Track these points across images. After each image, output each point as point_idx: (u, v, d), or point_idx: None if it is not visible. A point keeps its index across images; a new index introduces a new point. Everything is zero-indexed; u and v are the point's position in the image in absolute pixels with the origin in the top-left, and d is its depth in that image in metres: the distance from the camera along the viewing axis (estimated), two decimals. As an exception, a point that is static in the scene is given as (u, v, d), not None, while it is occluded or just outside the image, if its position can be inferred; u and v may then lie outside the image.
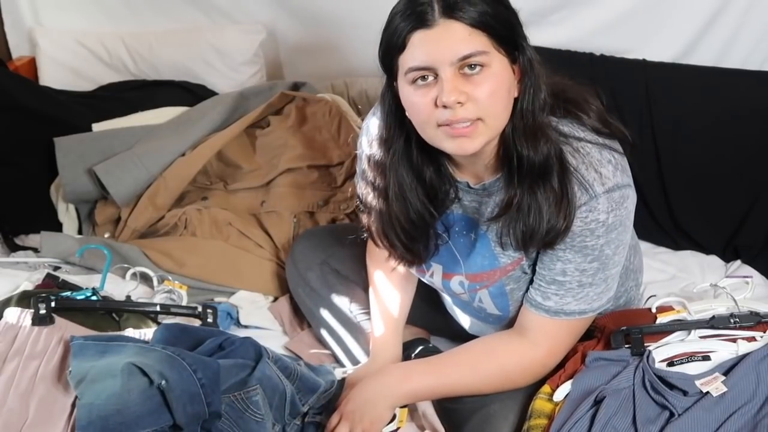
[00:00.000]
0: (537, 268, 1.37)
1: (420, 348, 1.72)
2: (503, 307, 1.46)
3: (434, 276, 1.50)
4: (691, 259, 2.03)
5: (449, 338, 1.81)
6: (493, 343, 1.46)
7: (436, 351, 1.72)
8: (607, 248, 1.31)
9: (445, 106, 1.22)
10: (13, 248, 2.07)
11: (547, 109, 1.29)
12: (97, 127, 2.21)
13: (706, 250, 2.05)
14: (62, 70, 2.50)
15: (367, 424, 1.42)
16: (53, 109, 2.23)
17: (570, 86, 1.37)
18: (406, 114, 1.29)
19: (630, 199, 1.33)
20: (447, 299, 1.62)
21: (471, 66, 1.21)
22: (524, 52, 1.27)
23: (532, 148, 1.26)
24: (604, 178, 1.28)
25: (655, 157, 2.06)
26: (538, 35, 2.17)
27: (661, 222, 2.07)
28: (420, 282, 1.72)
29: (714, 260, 2.01)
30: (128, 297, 1.64)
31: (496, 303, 1.45)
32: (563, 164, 1.27)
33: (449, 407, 1.49)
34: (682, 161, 2.05)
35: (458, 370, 1.45)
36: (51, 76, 2.49)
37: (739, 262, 1.98)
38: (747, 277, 1.58)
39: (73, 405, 1.38)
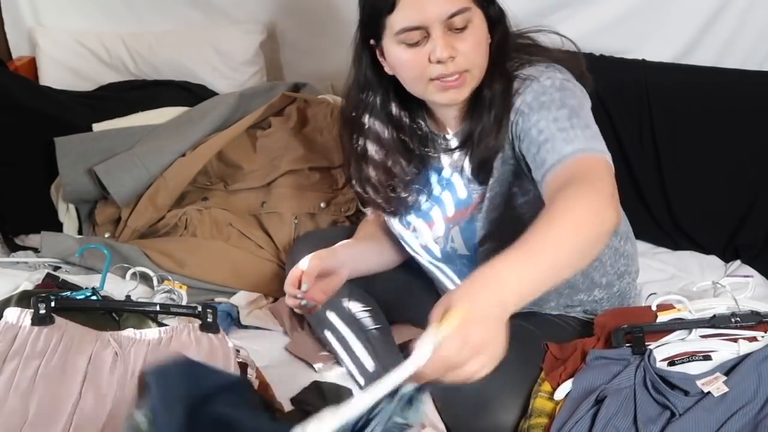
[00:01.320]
0: (526, 157, 1.36)
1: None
2: (470, 245, 1.51)
3: (417, 231, 1.57)
4: (690, 259, 2.03)
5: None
6: (551, 204, 1.22)
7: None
8: (567, 99, 1.34)
9: (439, 62, 1.33)
10: (13, 248, 2.07)
11: (511, 53, 1.42)
12: (97, 127, 2.21)
13: (706, 250, 2.05)
14: (62, 70, 2.49)
15: (493, 361, 1.09)
16: (53, 109, 2.23)
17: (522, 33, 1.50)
18: (388, 71, 1.42)
19: (578, 85, 1.39)
20: (425, 265, 1.64)
21: (457, 22, 1.33)
22: (495, 4, 1.41)
23: (491, 85, 1.39)
24: (548, 76, 1.37)
25: (655, 157, 2.06)
26: (538, 35, 2.18)
27: (661, 222, 2.07)
28: (418, 281, 1.72)
29: (714, 260, 2.01)
30: (128, 297, 1.64)
31: (465, 240, 1.51)
32: (507, 94, 1.38)
33: (446, 396, 1.49)
34: (682, 161, 2.05)
35: (544, 240, 1.15)
36: (51, 76, 2.49)
37: (738, 262, 1.98)
38: (748, 276, 1.58)
39: (73, 405, 1.39)
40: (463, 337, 1.00)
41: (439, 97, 1.39)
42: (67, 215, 2.15)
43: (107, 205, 2.11)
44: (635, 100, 2.07)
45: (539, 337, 1.50)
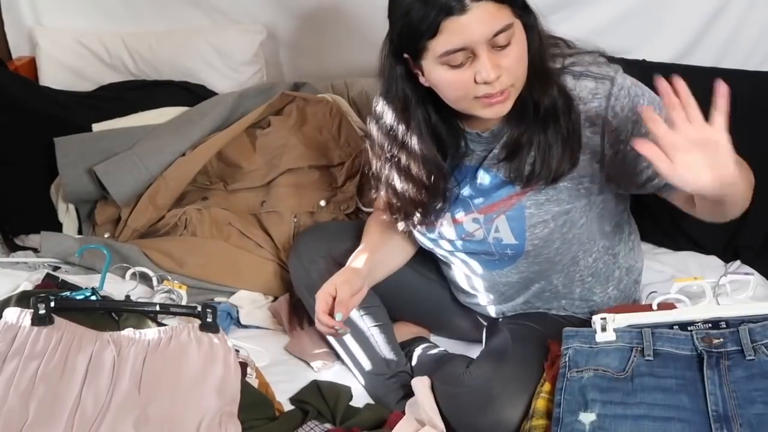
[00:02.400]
0: (641, 162, 1.37)
1: (421, 345, 1.72)
2: (519, 233, 1.48)
3: (444, 227, 1.55)
4: (690, 259, 2.03)
5: (450, 337, 1.81)
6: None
7: (438, 350, 1.72)
8: (654, 97, 1.37)
9: (486, 82, 1.30)
10: (13, 248, 2.07)
11: (549, 52, 1.40)
12: (97, 127, 2.21)
13: (706, 250, 2.04)
14: (62, 70, 2.49)
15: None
16: (53, 109, 2.23)
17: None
18: (424, 83, 1.38)
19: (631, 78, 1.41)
20: (456, 263, 1.62)
21: (501, 40, 1.30)
22: (528, 9, 1.37)
23: (542, 91, 1.37)
24: (605, 68, 1.41)
25: (655, 157, 2.06)
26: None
27: (661, 222, 2.06)
28: (422, 279, 1.72)
29: (714, 260, 2.01)
30: (128, 297, 1.64)
31: (513, 228, 1.48)
32: (570, 106, 1.38)
33: (450, 391, 1.50)
34: (682, 161, 2.05)
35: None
36: (51, 76, 2.49)
37: (738, 262, 1.98)
38: (748, 273, 1.57)
39: (73, 405, 1.39)
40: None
41: (484, 113, 1.36)
42: (67, 215, 2.15)
43: (107, 205, 2.11)
44: (635, 100, 2.07)
45: (545, 336, 1.50)
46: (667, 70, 2.08)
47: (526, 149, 1.40)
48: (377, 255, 1.64)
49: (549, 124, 1.38)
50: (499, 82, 1.32)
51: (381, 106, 1.49)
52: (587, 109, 1.39)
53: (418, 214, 1.53)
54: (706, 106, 2.05)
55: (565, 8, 2.22)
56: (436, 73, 1.34)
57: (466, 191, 1.52)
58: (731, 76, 2.05)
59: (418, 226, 1.58)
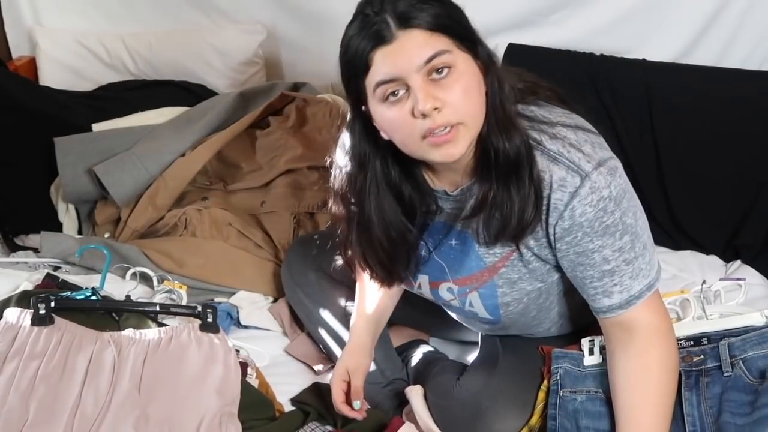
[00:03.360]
0: (578, 276, 1.32)
1: (419, 349, 1.72)
2: (493, 310, 1.43)
3: (422, 287, 1.49)
4: (691, 259, 2.03)
5: (448, 340, 1.81)
6: (625, 380, 1.32)
7: (435, 353, 1.72)
8: (626, 218, 1.29)
9: (423, 115, 1.19)
10: (13, 248, 2.06)
11: (513, 98, 1.28)
12: (97, 127, 2.21)
13: (706, 250, 2.04)
14: (62, 70, 2.50)
15: None
16: (53, 109, 2.23)
17: (520, 73, 1.37)
18: (382, 135, 1.27)
19: (619, 168, 1.30)
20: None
21: (438, 70, 1.19)
22: (483, 47, 1.25)
23: (507, 141, 1.25)
24: (587, 155, 1.27)
25: (655, 157, 2.06)
26: (538, 35, 2.19)
27: (661, 222, 2.07)
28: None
29: (714, 260, 2.01)
30: (128, 297, 1.64)
31: (486, 306, 1.42)
32: (531, 156, 1.26)
33: (440, 404, 1.49)
34: (682, 161, 2.05)
35: (645, 417, 1.29)
36: (51, 76, 2.49)
37: (739, 262, 1.98)
38: (740, 279, 1.58)
39: (73, 405, 1.39)
40: None
41: (435, 155, 1.23)
42: (67, 215, 2.15)
43: (107, 205, 2.11)
44: (635, 100, 2.07)
45: (534, 346, 1.49)
46: (667, 70, 2.11)
47: (491, 206, 1.29)
48: (378, 310, 1.59)
49: (512, 178, 1.27)
50: (440, 116, 1.19)
51: (346, 164, 1.37)
52: (550, 196, 1.27)
53: (380, 269, 1.42)
54: (706, 106, 2.07)
55: (565, 8, 2.22)
56: (379, 114, 1.24)
57: (440, 252, 1.42)
58: (731, 76, 2.08)
59: (388, 287, 1.50)
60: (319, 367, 1.74)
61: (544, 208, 1.28)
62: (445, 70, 1.19)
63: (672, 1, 2.16)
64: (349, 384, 1.50)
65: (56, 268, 1.90)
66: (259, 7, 2.47)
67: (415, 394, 1.53)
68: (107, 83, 2.48)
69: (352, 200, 1.38)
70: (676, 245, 2.07)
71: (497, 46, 2.06)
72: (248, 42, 2.46)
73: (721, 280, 1.63)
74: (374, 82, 1.21)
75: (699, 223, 2.05)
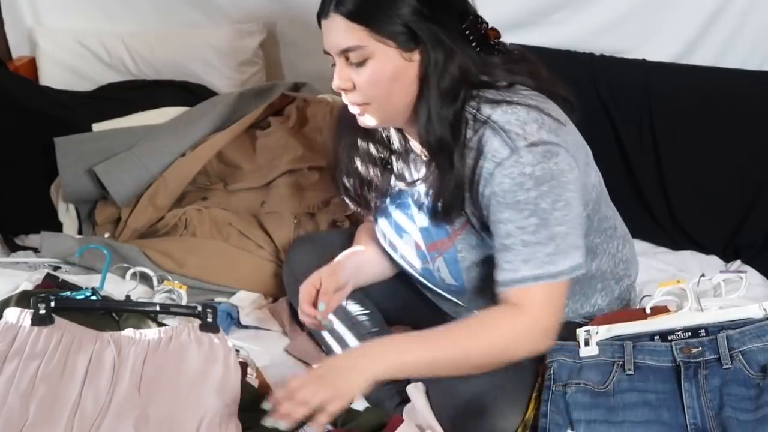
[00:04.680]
0: (490, 228, 1.37)
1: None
2: (457, 276, 1.47)
3: (404, 256, 1.56)
4: (690, 258, 2.03)
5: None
6: (485, 314, 1.39)
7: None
8: (542, 202, 1.30)
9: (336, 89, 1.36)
10: (13, 248, 2.06)
11: (462, 87, 1.34)
12: (97, 127, 2.21)
13: (706, 250, 2.05)
14: (62, 70, 2.50)
15: (334, 392, 1.25)
16: (53, 109, 2.23)
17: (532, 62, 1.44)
18: None
19: (560, 157, 1.31)
20: (421, 281, 1.62)
21: (352, 58, 1.32)
22: (426, 34, 1.31)
23: (431, 128, 1.34)
24: (527, 134, 1.30)
25: (655, 157, 2.06)
26: (538, 35, 2.19)
27: (661, 222, 2.07)
28: (413, 284, 1.72)
29: (714, 260, 2.01)
30: (128, 297, 1.64)
31: (451, 271, 1.47)
32: (455, 143, 1.34)
33: (443, 402, 1.49)
34: (682, 161, 2.05)
35: (451, 340, 1.35)
36: (51, 76, 2.49)
37: (739, 262, 1.98)
38: (741, 272, 1.57)
39: (73, 405, 1.39)
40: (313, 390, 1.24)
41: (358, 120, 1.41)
42: (67, 215, 2.15)
43: (107, 205, 2.11)
44: (635, 100, 2.07)
45: None
46: (667, 70, 2.11)
47: (428, 181, 1.41)
48: (365, 255, 1.65)
49: (439, 160, 1.36)
50: (351, 95, 1.35)
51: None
52: (484, 165, 1.33)
53: (359, 200, 1.57)
54: (706, 106, 2.07)
55: (565, 8, 2.22)
56: None
57: (414, 217, 1.51)
58: (731, 76, 2.08)
59: (384, 241, 1.60)
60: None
61: (477, 178, 1.34)
62: (359, 58, 1.32)
63: (672, 1, 2.16)
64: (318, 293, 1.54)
65: (56, 268, 1.90)
66: (259, 7, 2.47)
67: (416, 390, 1.53)
68: (107, 83, 2.48)
69: (340, 136, 1.53)
70: (676, 245, 2.07)
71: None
72: (248, 42, 2.46)
73: (721, 272, 1.63)
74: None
75: (699, 223, 2.05)
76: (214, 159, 2.13)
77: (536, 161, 1.29)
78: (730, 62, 2.14)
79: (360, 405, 1.60)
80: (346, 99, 1.38)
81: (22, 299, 1.55)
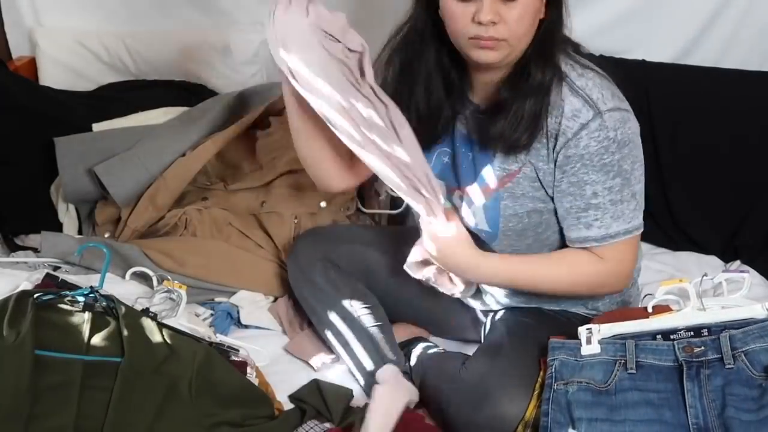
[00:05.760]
0: (565, 205, 1.46)
1: (420, 345, 1.72)
2: (493, 222, 1.52)
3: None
4: (690, 259, 2.03)
5: (449, 337, 1.81)
6: (565, 251, 1.52)
7: (436, 347, 1.72)
8: (624, 163, 1.42)
9: (480, 23, 1.36)
10: (13, 248, 2.06)
11: (561, 40, 1.45)
12: (97, 127, 2.21)
13: (706, 251, 2.05)
14: (62, 70, 2.50)
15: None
16: (53, 109, 2.23)
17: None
18: (444, 21, 1.43)
19: (632, 122, 1.45)
20: None
21: None
22: None
23: (541, 69, 1.41)
24: (605, 98, 1.41)
25: (655, 157, 2.06)
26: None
27: (661, 222, 2.07)
28: (416, 282, 1.73)
29: (713, 260, 2.01)
30: (146, 309, 1.62)
31: (488, 217, 1.52)
32: (550, 89, 1.42)
33: (446, 388, 1.50)
34: (682, 161, 2.05)
35: (535, 262, 1.53)
36: (51, 76, 2.49)
37: (738, 262, 1.98)
38: (743, 272, 1.57)
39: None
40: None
41: (474, 54, 1.41)
42: (67, 215, 2.15)
43: (107, 205, 2.11)
44: (635, 100, 2.04)
45: (541, 331, 1.50)
46: (667, 70, 2.11)
47: (504, 111, 1.44)
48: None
49: (530, 99, 1.42)
50: (493, 29, 1.37)
51: (405, 30, 1.51)
52: (562, 123, 1.41)
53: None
54: (706, 106, 2.07)
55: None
56: (445, 2, 1.40)
57: (457, 160, 1.55)
58: (731, 76, 2.08)
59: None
60: (318, 365, 1.74)
61: (553, 132, 1.42)
62: None
63: (672, 1, 2.16)
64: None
65: (56, 268, 1.90)
66: (259, 7, 2.46)
67: (379, 395, 1.53)
68: (107, 83, 2.48)
69: (403, 64, 1.52)
70: (676, 245, 2.07)
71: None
72: (248, 42, 2.46)
73: (724, 272, 1.63)
74: None
75: (699, 223, 2.05)
76: (214, 159, 2.13)
77: (617, 126, 1.40)
78: (730, 62, 2.14)
79: (360, 402, 1.60)
80: (479, 31, 1.37)
81: (22, 299, 1.55)
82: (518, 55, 1.42)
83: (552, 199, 1.49)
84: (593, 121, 1.39)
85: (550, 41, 1.42)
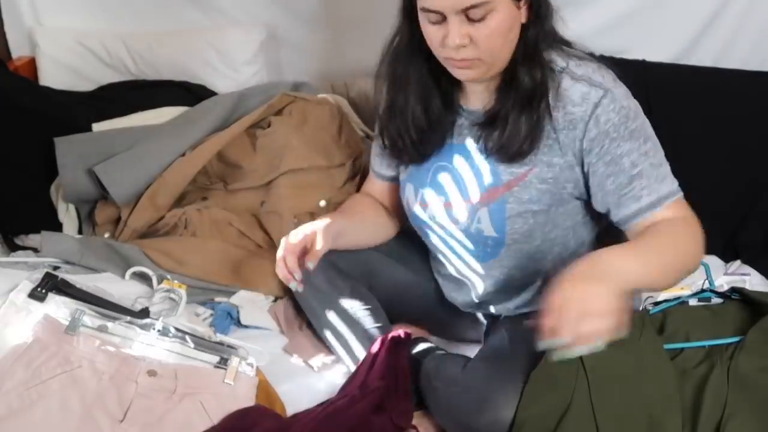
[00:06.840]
0: (608, 188, 1.43)
1: (420, 345, 1.72)
2: (500, 226, 1.50)
3: (437, 209, 1.58)
4: (690, 259, 2.03)
5: (449, 338, 1.81)
6: (666, 230, 1.42)
7: (437, 350, 1.72)
8: (647, 128, 1.44)
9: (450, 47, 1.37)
10: (13, 248, 2.06)
11: (550, 39, 1.45)
12: (97, 127, 2.21)
13: (706, 250, 2.04)
14: (62, 70, 2.49)
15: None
16: (53, 109, 2.23)
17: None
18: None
19: (633, 98, 1.45)
20: (438, 246, 1.64)
21: (474, 14, 1.35)
22: None
23: (528, 73, 1.41)
24: (607, 80, 1.43)
25: (654, 157, 2.06)
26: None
27: (661, 222, 2.06)
28: (420, 280, 1.72)
29: (714, 260, 2.01)
30: (145, 309, 1.62)
31: (494, 221, 1.51)
32: (546, 90, 1.41)
33: (446, 390, 1.50)
34: (682, 161, 2.04)
35: (661, 252, 1.39)
36: (51, 76, 2.49)
37: (738, 262, 1.98)
38: (744, 274, 1.57)
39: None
40: (581, 300, 1.19)
41: (454, 72, 1.43)
42: (67, 215, 2.15)
43: (107, 205, 2.11)
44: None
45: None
46: (667, 70, 2.11)
47: (500, 123, 1.44)
48: (351, 221, 1.67)
49: (525, 104, 1.42)
50: (465, 51, 1.38)
51: (395, 45, 1.53)
52: (573, 111, 1.42)
53: (408, 142, 1.56)
54: (706, 106, 2.06)
55: (565, 8, 2.20)
56: (421, 22, 1.42)
57: (457, 170, 1.54)
58: (731, 76, 2.08)
59: (413, 205, 1.61)
60: (318, 365, 1.74)
61: (565, 124, 1.41)
62: (481, 14, 1.35)
63: (672, 1, 2.17)
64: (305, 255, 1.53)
65: (56, 268, 1.90)
66: (259, 7, 2.47)
67: None
68: (107, 83, 2.48)
69: (396, 76, 1.54)
70: (676, 245, 2.07)
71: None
72: (248, 42, 2.45)
73: (725, 275, 1.63)
74: (421, 4, 1.39)
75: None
76: (214, 159, 2.13)
77: (627, 97, 1.43)
78: (730, 62, 2.15)
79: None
80: (451, 53, 1.39)
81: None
82: (502, 65, 1.43)
83: (569, 194, 1.48)
84: (604, 98, 1.40)
85: (534, 42, 1.43)
